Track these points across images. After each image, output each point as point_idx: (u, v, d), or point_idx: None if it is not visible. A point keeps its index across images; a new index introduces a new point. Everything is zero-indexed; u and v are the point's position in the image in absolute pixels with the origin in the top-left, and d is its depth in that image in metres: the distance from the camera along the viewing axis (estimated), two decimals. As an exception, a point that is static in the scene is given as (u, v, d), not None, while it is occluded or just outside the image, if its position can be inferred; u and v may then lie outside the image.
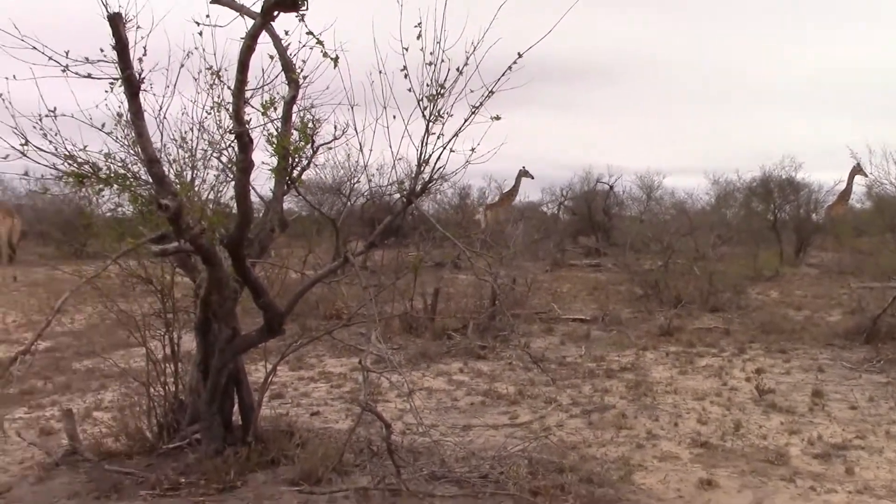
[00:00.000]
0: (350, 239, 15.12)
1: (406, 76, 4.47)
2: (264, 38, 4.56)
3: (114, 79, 4.40)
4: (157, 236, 4.77)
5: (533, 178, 25.66)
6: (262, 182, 5.31)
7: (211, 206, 5.40)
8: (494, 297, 10.37)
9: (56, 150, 4.62)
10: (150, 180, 4.66)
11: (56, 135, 4.60)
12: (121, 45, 4.19)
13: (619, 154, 53.65)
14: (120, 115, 4.95)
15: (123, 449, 5.25)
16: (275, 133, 4.89)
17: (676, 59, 57.91)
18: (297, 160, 5.02)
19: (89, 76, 4.36)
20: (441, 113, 4.57)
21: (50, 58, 4.15)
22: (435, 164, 4.69)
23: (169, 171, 5.05)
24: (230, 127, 4.74)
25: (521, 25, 4.90)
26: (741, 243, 18.80)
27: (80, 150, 4.69)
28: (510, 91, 4.52)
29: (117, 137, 5.10)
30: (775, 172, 22.60)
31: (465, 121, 4.59)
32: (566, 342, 10.12)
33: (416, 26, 4.35)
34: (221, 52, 4.94)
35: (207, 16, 4.60)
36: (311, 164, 5.30)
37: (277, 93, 5.02)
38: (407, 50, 4.39)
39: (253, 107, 4.77)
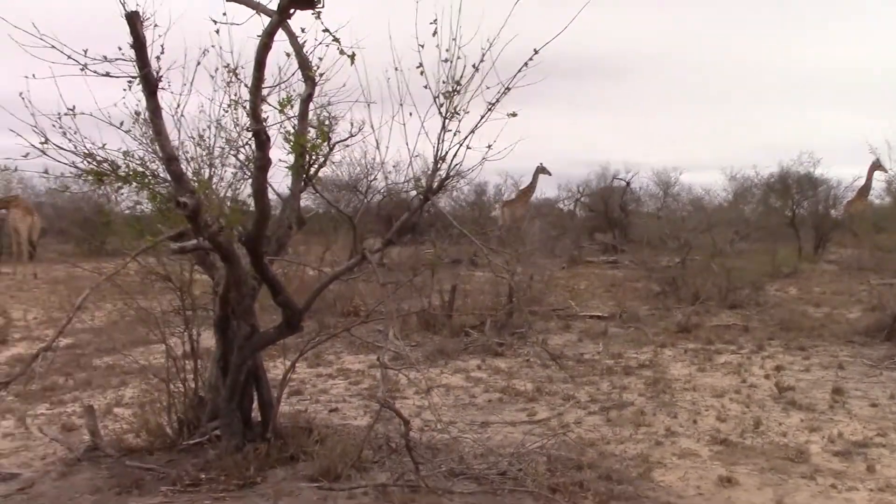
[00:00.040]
0: (367, 236, 15.15)
1: (422, 73, 4.47)
2: (281, 35, 4.57)
3: (132, 77, 4.44)
4: (175, 234, 4.80)
5: (550, 174, 25.52)
6: (280, 179, 5.34)
7: (229, 203, 5.43)
8: (511, 294, 10.36)
9: (75, 148, 4.68)
10: (169, 178, 4.69)
11: (75, 133, 4.66)
12: (138, 44, 4.21)
13: (636, 150, 53.32)
14: (138, 113, 5.01)
15: (144, 445, 5.28)
16: (292, 130, 4.93)
17: (692, 56, 57.62)
18: (314, 157, 5.04)
19: (107, 74, 4.40)
20: (457, 110, 4.56)
21: (69, 56, 4.20)
22: (451, 161, 4.69)
23: (187, 168, 5.08)
24: (247, 124, 4.77)
25: (537, 22, 4.88)
26: (759, 240, 18.63)
27: (99, 148, 4.75)
28: (526, 88, 4.51)
29: (136, 135, 5.16)
30: (793, 168, 22.50)
31: (482, 117, 4.58)
32: (584, 339, 10.08)
33: (431, 23, 4.34)
34: (238, 49, 5.00)
35: (224, 14, 4.63)
36: (328, 162, 5.33)
37: (294, 90, 5.05)
38: (423, 47, 4.39)
39: (270, 104, 4.81)
